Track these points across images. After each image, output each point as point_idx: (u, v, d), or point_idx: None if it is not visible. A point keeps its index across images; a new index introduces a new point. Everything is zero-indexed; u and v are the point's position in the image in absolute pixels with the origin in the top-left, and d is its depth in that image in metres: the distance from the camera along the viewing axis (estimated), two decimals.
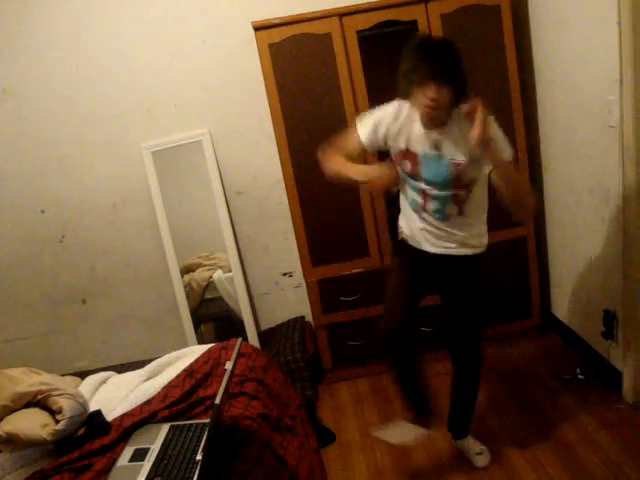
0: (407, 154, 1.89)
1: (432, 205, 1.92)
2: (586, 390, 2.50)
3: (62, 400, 1.80)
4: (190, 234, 3.13)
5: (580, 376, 2.57)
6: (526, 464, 2.15)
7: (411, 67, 1.72)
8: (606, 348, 2.48)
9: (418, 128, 1.85)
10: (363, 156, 2.06)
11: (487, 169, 1.82)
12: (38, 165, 2.98)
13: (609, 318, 2.41)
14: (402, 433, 2.34)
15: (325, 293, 2.87)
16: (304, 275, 2.89)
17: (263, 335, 3.16)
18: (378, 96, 2.75)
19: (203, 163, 2.95)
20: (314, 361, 2.95)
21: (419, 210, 1.96)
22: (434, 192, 1.88)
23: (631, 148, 2.08)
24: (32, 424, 1.73)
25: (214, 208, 2.98)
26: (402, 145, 1.89)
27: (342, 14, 2.59)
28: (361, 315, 2.87)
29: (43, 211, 3.04)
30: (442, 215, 1.92)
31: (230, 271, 3.06)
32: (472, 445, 2.24)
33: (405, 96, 1.82)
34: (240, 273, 3.05)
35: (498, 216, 2.88)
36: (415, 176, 1.91)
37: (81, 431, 1.81)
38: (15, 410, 1.83)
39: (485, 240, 2.03)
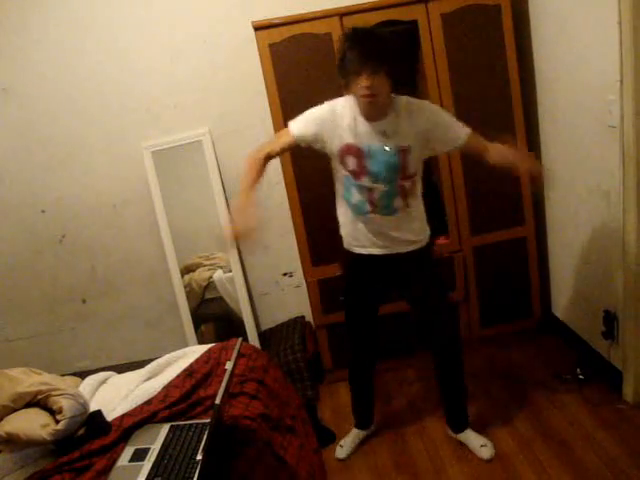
0: (350, 148, 1.86)
1: (379, 202, 1.91)
2: (586, 390, 2.50)
3: (62, 400, 1.80)
4: (190, 234, 3.13)
5: (580, 376, 2.57)
6: (526, 464, 2.15)
7: (342, 59, 1.75)
8: (606, 348, 2.48)
9: (362, 122, 1.84)
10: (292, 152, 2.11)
11: (427, 155, 1.94)
12: (38, 165, 2.98)
13: (609, 318, 2.41)
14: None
15: (325, 293, 2.87)
16: (304, 275, 2.89)
17: (263, 335, 3.16)
18: None
19: (203, 163, 2.95)
20: (314, 361, 2.95)
21: (364, 211, 1.95)
22: (381, 187, 1.88)
23: (631, 148, 2.08)
24: (32, 424, 1.73)
25: (214, 208, 2.97)
26: (345, 140, 1.86)
27: (342, 14, 2.59)
28: None
29: (43, 211, 3.04)
30: (389, 210, 1.93)
31: (230, 271, 3.06)
32: (474, 438, 2.27)
33: (344, 90, 1.84)
34: (240, 273, 3.05)
35: (498, 216, 2.91)
36: (359, 173, 1.88)
37: (81, 431, 1.81)
38: (15, 410, 1.83)
39: (428, 230, 2.08)
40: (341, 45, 1.78)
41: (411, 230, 2.01)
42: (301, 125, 1.92)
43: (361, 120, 1.83)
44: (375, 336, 2.28)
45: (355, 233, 2.03)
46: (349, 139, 1.85)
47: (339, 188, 2.02)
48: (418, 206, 2.01)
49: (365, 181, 1.87)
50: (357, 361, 2.36)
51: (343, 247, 2.14)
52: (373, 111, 1.80)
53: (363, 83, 1.70)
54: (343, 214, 2.07)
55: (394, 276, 2.11)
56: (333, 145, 1.89)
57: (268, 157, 1.95)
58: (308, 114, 1.92)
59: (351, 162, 1.87)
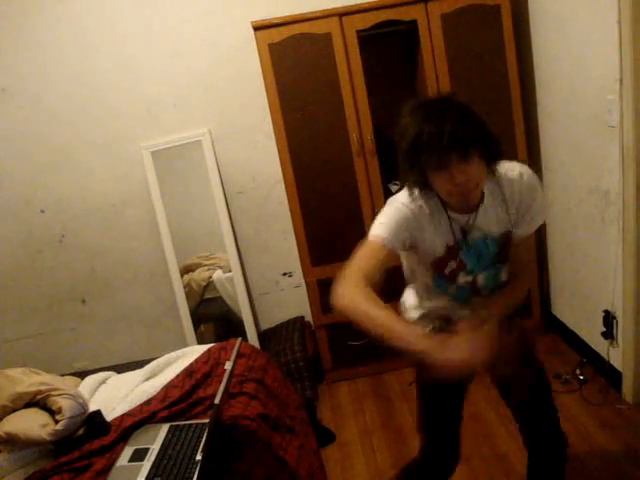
0: (450, 254, 1.40)
1: (484, 282, 1.48)
2: (586, 390, 2.50)
3: (62, 400, 1.80)
4: (190, 234, 3.13)
5: (580, 376, 2.57)
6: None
7: (416, 146, 1.19)
8: (606, 348, 2.48)
9: (440, 215, 1.37)
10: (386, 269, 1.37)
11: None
12: (38, 165, 2.98)
13: (609, 318, 2.41)
14: None
15: (325, 293, 2.87)
16: (304, 275, 2.89)
17: (263, 335, 3.16)
18: (378, 96, 2.77)
19: (203, 163, 2.95)
20: (314, 361, 2.95)
21: (468, 299, 1.50)
22: (481, 274, 1.46)
23: (631, 148, 2.08)
24: (32, 424, 1.73)
25: (214, 208, 2.97)
26: (442, 244, 1.38)
27: (342, 14, 2.59)
28: None
29: (43, 211, 3.04)
30: (497, 285, 1.50)
31: (230, 271, 3.06)
32: None
33: (416, 184, 1.30)
34: (240, 273, 3.05)
35: None
36: (455, 274, 1.45)
37: (81, 431, 1.80)
38: (15, 410, 1.83)
39: None
40: (412, 124, 1.21)
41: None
42: (392, 231, 1.35)
43: (444, 213, 1.37)
44: (458, 435, 1.67)
45: (443, 312, 1.53)
46: (448, 241, 1.38)
47: (424, 279, 1.52)
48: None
49: (463, 277, 1.45)
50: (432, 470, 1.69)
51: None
52: (468, 204, 1.33)
53: (456, 179, 1.19)
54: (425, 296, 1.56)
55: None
56: (427, 256, 1.41)
57: (370, 279, 1.30)
58: (386, 217, 1.38)
59: (452, 265, 1.42)
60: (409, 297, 1.60)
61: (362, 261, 1.33)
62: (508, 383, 1.61)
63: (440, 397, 1.59)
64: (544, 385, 1.60)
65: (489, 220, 1.37)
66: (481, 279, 1.46)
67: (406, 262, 1.54)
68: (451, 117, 1.16)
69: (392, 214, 1.36)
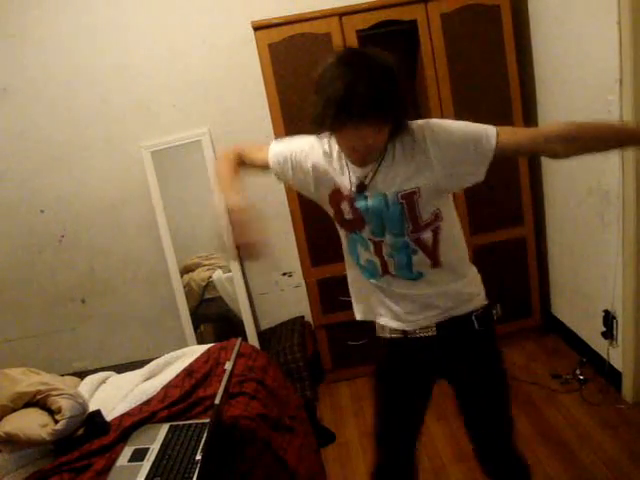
0: (340, 196, 1.38)
1: (391, 257, 1.38)
2: (586, 390, 2.49)
3: (61, 400, 1.80)
4: (189, 234, 3.13)
5: (580, 376, 2.57)
6: None
7: (321, 109, 1.17)
8: (606, 348, 2.48)
9: (339, 164, 1.36)
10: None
11: (456, 188, 1.40)
12: (38, 165, 2.98)
13: (609, 318, 2.41)
14: None
15: (325, 293, 2.87)
16: (304, 275, 2.89)
17: (263, 335, 3.15)
18: None
19: (203, 163, 2.95)
20: (314, 361, 2.94)
21: (378, 273, 1.41)
22: (389, 242, 1.36)
23: (631, 148, 2.07)
24: (31, 424, 1.73)
25: (213, 208, 2.97)
26: (331, 183, 1.38)
27: (342, 14, 2.59)
28: None
29: (42, 211, 3.04)
30: (411, 271, 1.38)
31: (229, 271, 3.06)
32: None
33: (317, 129, 1.30)
34: (239, 273, 3.05)
35: (498, 216, 2.91)
36: (358, 224, 1.38)
37: (80, 431, 1.80)
38: (14, 410, 1.83)
39: (481, 289, 1.47)
40: (325, 75, 1.17)
41: (450, 294, 1.40)
42: (280, 153, 1.46)
43: (344, 165, 1.36)
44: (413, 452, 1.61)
45: (373, 305, 1.49)
46: (340, 186, 1.37)
47: (343, 242, 1.51)
48: (457, 257, 1.42)
49: (366, 233, 1.38)
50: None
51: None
52: (363, 161, 1.30)
53: (354, 138, 1.19)
54: (354, 279, 1.55)
55: (443, 360, 1.47)
56: (322, 187, 1.41)
57: (240, 160, 1.50)
58: (291, 139, 1.48)
59: (347, 210, 1.38)
60: (350, 284, 1.59)
61: (250, 148, 1.53)
62: None
63: (395, 399, 1.53)
64: (497, 408, 1.50)
65: (392, 177, 1.30)
66: (388, 249, 1.36)
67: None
68: (363, 79, 1.12)
69: (298, 138, 1.46)
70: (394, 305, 1.44)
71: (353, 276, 1.54)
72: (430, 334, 1.42)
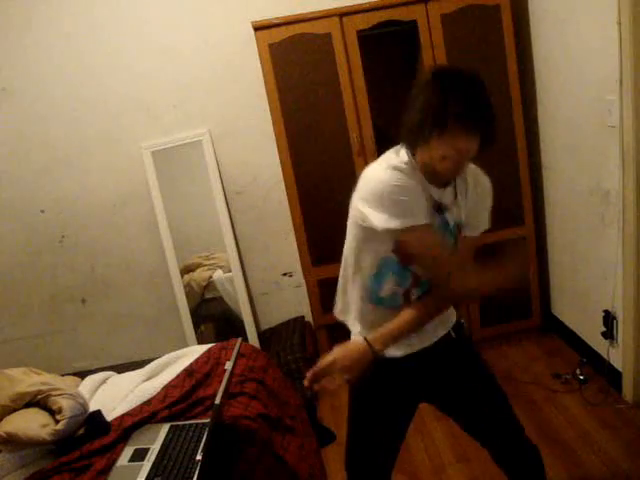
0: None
1: (420, 290, 1.40)
2: (586, 390, 2.50)
3: (62, 400, 1.80)
4: (190, 234, 3.13)
5: (580, 376, 2.57)
6: None
7: (433, 105, 1.20)
8: (606, 348, 2.48)
9: (421, 187, 1.30)
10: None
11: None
12: (38, 165, 2.98)
13: (609, 318, 2.41)
14: None
15: (325, 293, 2.87)
16: (304, 275, 2.89)
17: (263, 335, 3.15)
18: (378, 96, 2.77)
19: (203, 163, 2.95)
20: (314, 361, 2.93)
21: (395, 305, 1.40)
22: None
23: (631, 148, 2.08)
24: (32, 424, 1.73)
25: (214, 208, 2.97)
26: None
27: (342, 14, 2.59)
28: None
29: (43, 211, 3.04)
30: (424, 294, 1.41)
31: (230, 271, 3.06)
32: None
33: (413, 145, 1.28)
34: (240, 273, 3.05)
35: (498, 216, 2.90)
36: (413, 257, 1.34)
37: (81, 431, 1.81)
38: (15, 410, 1.83)
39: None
40: (433, 88, 1.23)
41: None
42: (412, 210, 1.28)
43: (425, 186, 1.31)
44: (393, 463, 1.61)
45: (364, 328, 1.48)
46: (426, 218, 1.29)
47: (364, 266, 1.43)
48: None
49: (417, 267, 1.36)
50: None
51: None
52: (442, 179, 1.30)
53: (460, 145, 1.20)
54: (365, 306, 1.50)
55: (443, 370, 1.48)
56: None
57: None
58: (410, 194, 1.26)
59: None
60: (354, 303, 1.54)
61: (435, 244, 1.32)
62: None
63: (376, 422, 1.50)
64: (500, 395, 1.53)
65: (460, 205, 1.37)
66: (420, 282, 1.38)
67: (354, 242, 1.45)
68: (481, 92, 1.20)
69: (401, 187, 1.25)
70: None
71: (364, 307, 1.49)
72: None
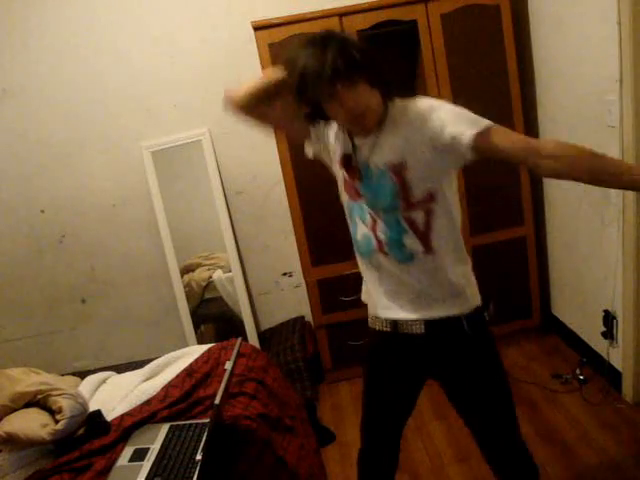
0: (345, 161, 1.44)
1: (384, 234, 1.37)
2: (586, 390, 2.50)
3: (62, 400, 1.80)
4: (190, 234, 3.13)
5: (580, 376, 2.57)
6: None
7: (303, 81, 1.22)
8: (606, 348, 2.48)
9: (343, 134, 1.42)
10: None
11: (448, 166, 1.32)
12: (38, 165, 2.98)
13: (609, 318, 2.41)
14: None
15: (325, 293, 2.87)
16: (304, 275, 2.89)
17: (263, 335, 3.15)
18: None
19: (203, 163, 2.95)
20: (314, 361, 2.95)
21: (371, 249, 1.41)
22: (381, 217, 1.38)
23: (631, 148, 2.08)
24: (32, 424, 1.73)
25: (214, 208, 2.97)
26: (340, 152, 1.44)
27: (342, 14, 2.59)
28: (361, 315, 2.84)
29: (43, 211, 3.04)
30: (402, 252, 1.36)
31: (230, 271, 3.06)
32: None
33: (311, 117, 1.37)
34: (240, 273, 3.05)
35: (498, 216, 2.91)
36: (356, 195, 1.43)
37: (81, 431, 1.81)
38: (15, 410, 1.83)
39: (475, 288, 1.44)
40: (296, 58, 1.25)
41: (443, 285, 1.38)
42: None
43: (346, 135, 1.42)
44: (395, 459, 1.68)
45: (372, 292, 1.50)
46: (345, 149, 1.43)
47: (346, 213, 1.52)
48: (448, 249, 1.37)
49: (364, 203, 1.41)
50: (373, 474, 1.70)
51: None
52: (362, 127, 1.33)
53: (344, 105, 1.23)
54: (359, 263, 1.54)
55: (433, 361, 1.47)
56: (334, 153, 1.48)
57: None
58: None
59: (345, 174, 1.45)
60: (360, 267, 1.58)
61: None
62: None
63: (382, 390, 1.54)
64: (505, 414, 1.49)
65: (388, 146, 1.32)
66: (381, 225, 1.37)
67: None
68: (332, 49, 1.20)
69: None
70: (386, 291, 1.44)
71: (358, 260, 1.54)
72: (418, 332, 1.41)
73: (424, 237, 1.35)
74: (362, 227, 1.43)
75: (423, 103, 1.31)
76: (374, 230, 1.40)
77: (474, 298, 1.43)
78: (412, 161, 1.29)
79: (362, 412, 1.63)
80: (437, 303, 1.39)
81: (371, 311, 1.53)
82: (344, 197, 1.49)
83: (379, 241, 1.39)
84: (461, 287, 1.40)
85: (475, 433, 1.53)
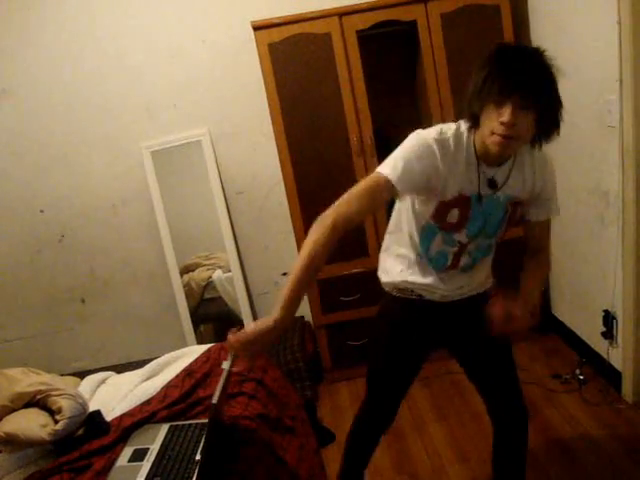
0: (459, 200, 1.38)
1: (466, 259, 1.50)
2: (586, 390, 2.50)
3: (61, 400, 1.80)
4: (189, 234, 3.13)
5: (580, 376, 2.57)
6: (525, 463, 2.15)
7: (487, 78, 1.25)
8: (606, 348, 2.48)
9: (474, 165, 1.36)
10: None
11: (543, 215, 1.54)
12: (38, 165, 2.98)
13: (609, 318, 2.41)
14: None
15: (325, 293, 2.87)
16: None
17: None
18: (378, 96, 2.77)
19: (203, 163, 2.95)
20: (314, 361, 2.94)
21: (441, 267, 1.51)
22: (475, 243, 1.46)
23: (631, 148, 2.08)
24: (31, 424, 1.73)
25: (214, 208, 2.97)
26: (455, 189, 1.36)
27: (342, 14, 2.59)
28: (361, 315, 2.86)
29: (42, 211, 3.04)
30: (472, 266, 1.53)
31: (229, 271, 3.06)
32: None
33: (471, 118, 1.32)
34: (239, 273, 3.05)
35: None
36: (458, 226, 1.42)
37: (80, 431, 1.80)
38: (14, 410, 1.83)
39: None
40: (490, 61, 1.32)
41: (483, 273, 1.63)
42: (402, 168, 1.30)
43: (473, 162, 1.36)
44: (400, 402, 1.82)
45: (420, 279, 1.55)
46: (460, 187, 1.36)
47: (409, 230, 1.50)
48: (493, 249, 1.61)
49: (461, 236, 1.44)
50: (372, 427, 1.88)
51: (387, 295, 1.65)
52: (498, 156, 1.34)
53: (505, 118, 1.21)
54: (404, 259, 1.56)
55: (456, 325, 1.63)
56: (439, 196, 1.38)
57: (347, 223, 1.32)
58: (406, 152, 1.32)
59: (454, 214, 1.40)
60: (390, 260, 1.61)
61: (351, 203, 1.34)
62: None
63: (400, 352, 1.66)
64: (509, 358, 1.71)
65: (514, 182, 1.41)
66: (471, 248, 1.48)
67: (399, 203, 1.52)
68: (542, 69, 1.26)
69: (416, 148, 1.32)
70: (440, 285, 1.54)
71: (404, 255, 1.55)
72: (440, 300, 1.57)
73: (491, 256, 1.59)
74: (441, 245, 1.47)
75: (542, 153, 1.46)
76: (458, 253, 1.49)
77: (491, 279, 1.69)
78: (525, 202, 1.46)
79: (373, 370, 1.74)
80: (475, 289, 1.60)
81: (408, 286, 1.57)
82: (428, 221, 1.44)
83: (458, 261, 1.50)
84: (491, 274, 1.67)
85: (478, 384, 1.71)
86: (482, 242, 1.47)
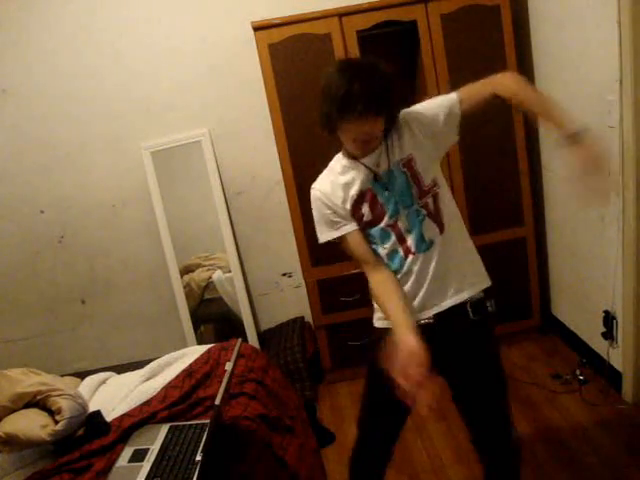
0: (362, 197, 1.50)
1: (407, 234, 1.50)
2: (586, 390, 2.49)
3: (61, 400, 1.80)
4: (189, 234, 3.13)
5: (580, 376, 2.57)
6: (525, 463, 2.14)
7: (328, 112, 1.37)
8: (606, 348, 2.48)
9: (354, 166, 1.51)
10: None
11: (442, 151, 1.55)
12: (38, 165, 2.98)
13: (609, 318, 2.41)
14: None
15: (325, 293, 2.87)
16: (304, 275, 2.89)
17: (263, 335, 3.15)
18: None
19: (203, 163, 2.95)
20: (314, 361, 2.94)
21: (403, 262, 1.52)
22: (403, 216, 1.49)
23: (631, 148, 2.08)
24: (31, 425, 1.73)
25: (214, 208, 2.97)
26: (353, 193, 1.50)
27: (342, 14, 2.59)
28: (361, 315, 2.84)
29: (42, 211, 3.04)
30: (425, 243, 1.50)
31: (230, 271, 3.06)
32: None
33: (330, 131, 1.45)
34: (240, 273, 3.05)
35: (497, 216, 2.91)
36: (379, 215, 1.50)
37: (80, 432, 1.80)
38: (14, 411, 1.83)
39: (482, 266, 1.60)
40: (328, 80, 1.38)
41: (459, 267, 1.53)
42: (320, 232, 1.56)
43: (356, 164, 1.50)
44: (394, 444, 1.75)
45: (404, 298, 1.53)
46: (359, 189, 1.50)
47: (381, 253, 1.56)
48: (456, 226, 1.55)
49: (384, 221, 1.50)
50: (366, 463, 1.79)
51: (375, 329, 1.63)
52: (365, 150, 1.47)
53: (355, 136, 1.39)
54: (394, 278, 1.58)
55: (441, 353, 1.49)
56: (347, 209, 1.52)
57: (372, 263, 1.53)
58: (314, 216, 1.56)
59: (366, 210, 1.50)
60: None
61: (358, 254, 1.54)
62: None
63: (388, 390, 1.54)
64: (498, 392, 1.61)
65: (391, 153, 1.48)
66: (403, 225, 1.50)
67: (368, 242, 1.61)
68: (358, 80, 1.32)
69: (314, 207, 1.56)
70: (420, 288, 1.52)
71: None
72: (428, 322, 1.53)
73: (436, 218, 1.50)
74: (387, 246, 1.53)
75: (408, 113, 1.51)
76: (399, 236, 1.52)
77: (487, 277, 1.60)
78: (417, 155, 1.48)
79: (364, 410, 1.72)
80: (455, 291, 1.52)
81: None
82: (368, 217, 1.53)
83: (406, 244, 1.51)
84: (478, 263, 1.60)
85: (472, 422, 1.63)
86: (409, 212, 1.49)
